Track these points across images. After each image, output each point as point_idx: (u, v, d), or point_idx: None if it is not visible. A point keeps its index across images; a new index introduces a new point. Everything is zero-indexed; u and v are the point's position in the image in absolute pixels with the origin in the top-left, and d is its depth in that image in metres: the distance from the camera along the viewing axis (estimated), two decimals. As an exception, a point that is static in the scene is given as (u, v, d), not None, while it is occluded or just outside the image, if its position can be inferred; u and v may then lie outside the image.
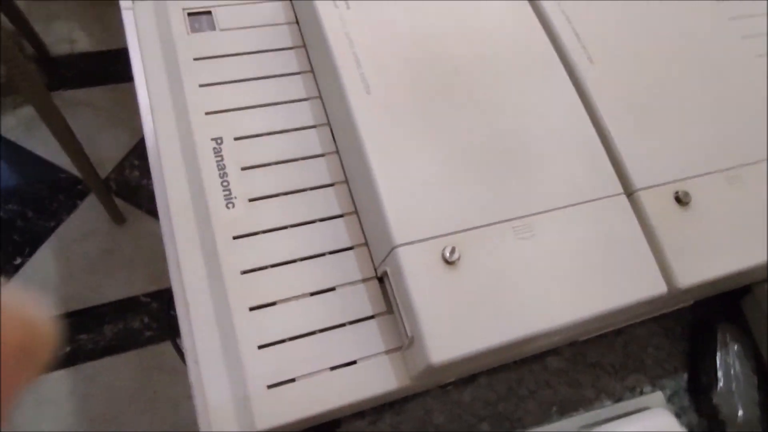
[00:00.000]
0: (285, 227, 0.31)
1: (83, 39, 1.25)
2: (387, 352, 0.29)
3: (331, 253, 0.31)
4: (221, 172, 0.31)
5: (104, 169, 1.13)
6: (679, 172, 0.33)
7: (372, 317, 0.30)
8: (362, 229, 0.32)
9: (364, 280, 0.31)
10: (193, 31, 0.35)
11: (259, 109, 0.33)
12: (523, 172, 0.31)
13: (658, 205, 0.32)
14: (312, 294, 0.30)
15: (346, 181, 0.33)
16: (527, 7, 0.37)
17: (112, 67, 1.23)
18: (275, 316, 0.29)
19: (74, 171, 1.07)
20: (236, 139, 0.32)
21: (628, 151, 0.33)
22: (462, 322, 0.27)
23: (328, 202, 0.32)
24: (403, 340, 0.29)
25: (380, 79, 0.31)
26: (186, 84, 0.33)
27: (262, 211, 0.31)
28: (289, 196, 0.32)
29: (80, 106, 1.17)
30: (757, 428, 0.39)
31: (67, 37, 1.25)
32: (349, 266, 0.31)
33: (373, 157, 0.29)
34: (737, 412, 0.40)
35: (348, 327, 0.29)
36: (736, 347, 0.43)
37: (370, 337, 0.29)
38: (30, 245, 1.04)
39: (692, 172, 0.34)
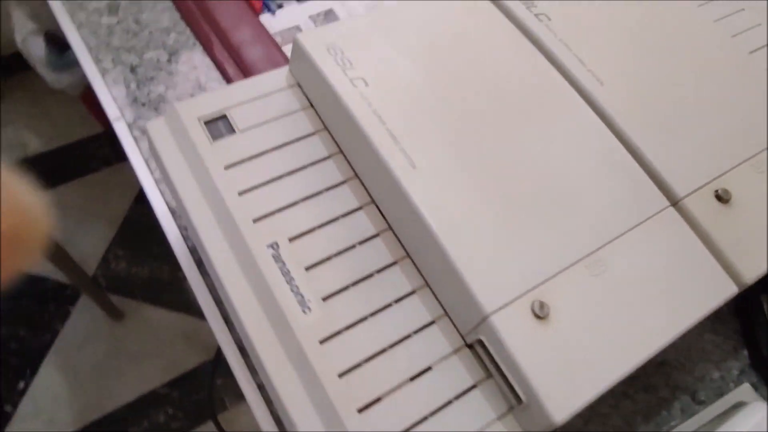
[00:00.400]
0: (365, 318, 0.31)
1: (34, 140, 1.22)
2: (499, 418, 0.29)
3: (416, 332, 0.31)
4: (287, 278, 0.31)
5: (89, 267, 1.09)
6: (712, 171, 0.35)
7: (474, 386, 0.30)
8: (438, 300, 0.32)
9: (455, 351, 0.31)
10: (215, 138, 0.35)
11: (303, 203, 0.33)
12: (573, 208, 0.32)
13: (703, 207, 0.34)
14: (411, 379, 0.30)
15: (408, 256, 0.33)
16: (528, 44, 0.38)
17: (70, 162, 1.20)
18: (385, 413, 0.28)
19: (59, 276, 1.03)
20: (291, 240, 0.32)
21: (661, 162, 0.34)
22: (569, 373, 0.28)
23: (397, 281, 0.32)
24: (510, 401, 0.29)
25: (420, 150, 0.32)
26: (225, 196, 0.33)
27: (339, 306, 0.31)
28: (359, 284, 0.31)
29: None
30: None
31: (17, 141, 1.21)
32: (437, 341, 0.31)
33: (439, 232, 0.29)
34: (805, 375, 0.42)
35: (454, 403, 0.29)
36: (782, 311, 0.44)
37: (479, 408, 0.29)
38: (30, 365, 0.99)
39: (723, 167, 0.35)
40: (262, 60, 0.51)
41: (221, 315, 0.41)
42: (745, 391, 0.39)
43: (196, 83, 0.50)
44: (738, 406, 0.34)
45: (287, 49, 0.52)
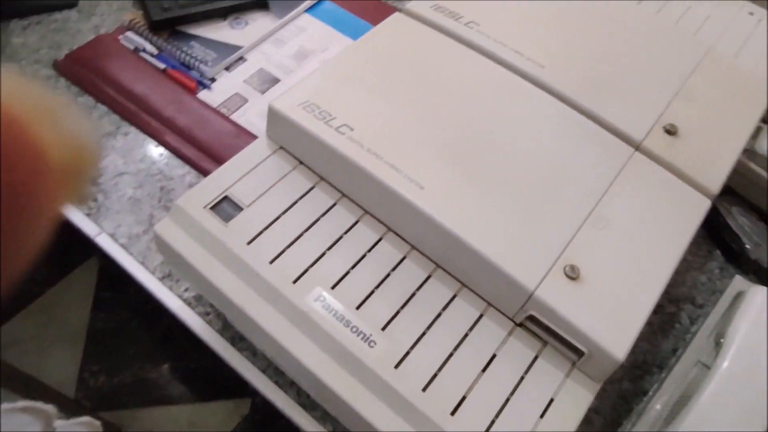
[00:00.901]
0: (424, 332, 0.33)
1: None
2: (567, 375, 0.33)
3: (470, 329, 0.34)
4: (343, 322, 0.33)
5: (69, 391, 1.04)
6: (656, 111, 0.40)
7: (537, 357, 0.33)
8: (478, 296, 0.35)
9: (509, 334, 0.34)
10: (227, 220, 0.36)
11: (329, 252, 0.35)
12: (562, 179, 0.36)
13: (660, 143, 0.39)
14: (483, 370, 0.33)
15: (439, 266, 0.36)
16: (470, 51, 0.42)
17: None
18: (474, 406, 0.31)
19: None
20: (332, 287, 0.34)
21: (615, 117, 0.40)
22: (613, 315, 0.32)
23: (438, 291, 0.35)
24: (572, 358, 0.33)
25: (420, 171, 0.35)
26: (258, 269, 0.34)
27: (397, 331, 0.33)
28: (407, 306, 0.34)
29: (6, 348, 1.07)
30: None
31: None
32: (491, 330, 0.34)
33: (465, 235, 0.33)
34: (772, 254, 0.48)
35: (527, 378, 0.33)
36: (735, 210, 0.51)
37: (548, 373, 0.33)
38: None
39: (662, 106, 0.41)
40: (216, 134, 0.52)
41: (273, 382, 0.42)
42: (737, 282, 0.45)
43: (161, 176, 0.51)
44: (739, 296, 0.40)
45: (236, 117, 0.54)
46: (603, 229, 0.35)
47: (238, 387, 1.02)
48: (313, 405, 0.41)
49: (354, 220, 0.37)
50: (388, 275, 0.35)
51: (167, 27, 0.59)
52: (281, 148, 0.40)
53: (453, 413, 0.31)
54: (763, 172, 0.49)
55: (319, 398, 0.36)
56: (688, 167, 0.38)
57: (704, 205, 0.37)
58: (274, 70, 0.58)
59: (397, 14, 0.44)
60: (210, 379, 1.08)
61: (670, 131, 0.40)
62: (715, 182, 0.38)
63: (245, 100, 0.55)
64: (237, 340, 0.43)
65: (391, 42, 0.42)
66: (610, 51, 0.44)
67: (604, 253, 0.34)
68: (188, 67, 0.57)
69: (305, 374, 0.33)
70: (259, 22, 0.61)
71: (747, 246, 0.49)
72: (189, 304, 0.44)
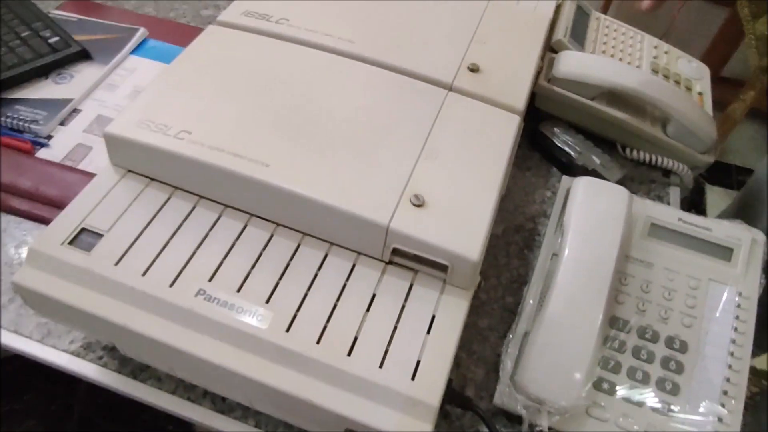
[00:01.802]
0: (306, 294, 0.36)
1: None
2: (441, 292, 0.37)
3: (347, 279, 0.37)
4: (228, 307, 0.34)
5: None
6: (457, 56, 0.46)
7: (411, 285, 0.37)
8: (347, 248, 0.38)
9: (383, 273, 0.37)
10: (89, 249, 0.36)
11: (199, 250, 0.37)
12: (392, 127, 0.41)
13: (467, 81, 0.45)
14: (368, 310, 0.35)
15: (305, 234, 0.38)
16: (288, 44, 0.46)
17: None
18: (366, 344, 0.34)
19: None
20: (209, 280, 0.35)
21: (426, 69, 0.45)
22: (462, 227, 0.36)
23: (309, 255, 0.37)
24: (440, 276, 0.37)
25: (261, 152, 0.37)
26: (131, 283, 0.35)
27: (280, 299, 0.35)
28: (284, 276, 0.36)
29: None
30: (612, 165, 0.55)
31: None
32: (366, 274, 0.37)
33: (319, 196, 0.36)
34: (596, 160, 0.56)
35: (408, 306, 0.36)
36: (557, 130, 0.59)
37: (424, 296, 0.36)
38: None
39: (462, 51, 0.47)
40: (66, 186, 0.51)
41: (186, 399, 0.42)
42: (565, 181, 0.51)
43: (19, 241, 0.49)
44: (569, 191, 0.46)
45: (84, 165, 0.53)
46: (435, 159, 0.39)
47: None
48: (231, 407, 0.41)
49: (216, 216, 0.39)
50: (260, 255, 0.37)
51: (-15, 98, 0.57)
52: (129, 171, 0.40)
53: (350, 354, 0.34)
54: (565, 92, 0.57)
55: (232, 391, 0.37)
56: (495, 94, 0.44)
57: (515, 120, 0.43)
58: (112, 113, 0.58)
59: (210, 26, 0.47)
60: None
61: (473, 69, 0.45)
62: (519, 101, 0.44)
63: (89, 149, 0.55)
64: (138, 372, 0.42)
65: (212, 51, 0.45)
66: (407, 16, 0.49)
67: (442, 179, 0.38)
68: (19, 131, 0.55)
69: (211, 370, 0.34)
70: (85, 73, 0.61)
71: (573, 155, 0.57)
72: (78, 355, 0.43)
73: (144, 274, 0.35)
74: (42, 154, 0.54)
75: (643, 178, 0.58)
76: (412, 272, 0.37)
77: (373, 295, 0.36)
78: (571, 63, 0.56)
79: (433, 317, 0.36)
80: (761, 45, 0.99)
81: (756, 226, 0.45)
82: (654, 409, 0.39)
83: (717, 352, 0.40)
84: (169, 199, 0.39)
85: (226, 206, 0.39)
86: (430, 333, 0.35)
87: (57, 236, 0.37)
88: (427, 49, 0.47)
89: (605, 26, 0.66)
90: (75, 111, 0.58)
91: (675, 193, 0.57)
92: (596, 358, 0.39)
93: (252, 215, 0.39)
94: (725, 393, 0.38)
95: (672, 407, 0.38)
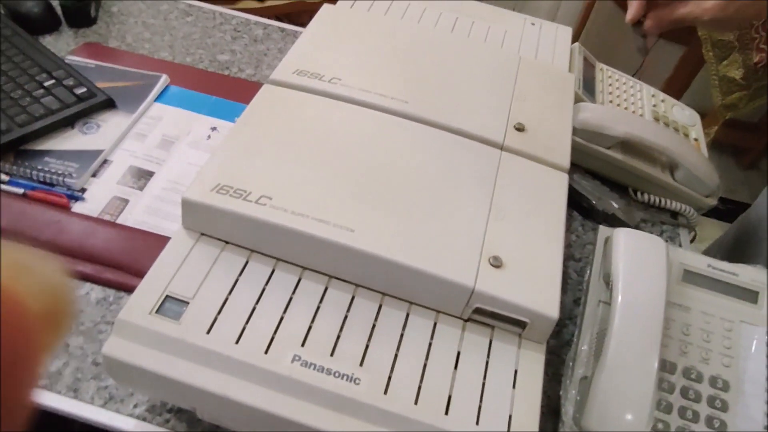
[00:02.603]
0: (396, 355, 0.37)
1: None
2: (519, 347, 0.39)
3: (431, 337, 0.38)
4: (324, 372, 0.35)
5: None
6: (502, 117, 0.49)
7: (491, 341, 0.39)
8: (427, 308, 0.39)
9: (463, 330, 0.39)
10: (178, 317, 0.36)
11: (286, 314, 0.38)
12: (456, 189, 0.43)
13: (515, 140, 0.48)
14: (455, 368, 0.37)
15: (386, 294, 0.40)
16: (344, 104, 0.47)
17: None
18: (461, 403, 0.36)
19: None
20: (302, 345, 0.36)
21: (478, 128, 0.47)
22: (537, 285, 0.38)
23: (392, 315, 0.39)
24: (517, 331, 0.39)
25: (344, 217, 0.39)
26: (228, 353, 0.35)
27: (373, 361, 0.36)
28: (372, 337, 0.37)
29: None
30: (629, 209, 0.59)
31: None
32: (448, 332, 0.39)
33: (403, 259, 0.37)
34: (614, 204, 0.60)
35: (490, 362, 0.38)
36: (576, 176, 0.62)
37: (503, 351, 0.38)
38: None
39: (505, 110, 0.50)
40: (107, 242, 0.50)
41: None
42: (602, 231, 0.55)
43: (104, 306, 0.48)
44: (607, 240, 0.50)
45: (123, 219, 0.53)
46: (503, 219, 0.42)
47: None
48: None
49: (296, 279, 0.39)
50: (345, 317, 0.38)
51: (10, 149, 0.55)
52: (203, 234, 0.41)
53: (447, 413, 0.35)
54: (585, 142, 0.61)
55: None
56: (543, 153, 0.47)
57: (564, 178, 0.46)
58: (144, 164, 0.57)
59: (266, 86, 0.48)
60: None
61: (519, 129, 0.49)
62: (565, 159, 0.47)
63: (126, 201, 0.54)
64: (209, 434, 0.42)
65: (272, 111, 0.46)
66: (451, 75, 0.52)
67: (512, 239, 0.40)
68: (51, 185, 0.54)
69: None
70: (111, 122, 0.60)
71: (593, 202, 0.61)
72: (144, 419, 0.43)
73: (237, 341, 0.36)
74: (77, 208, 0.53)
75: (654, 221, 0.63)
76: (489, 328, 0.39)
77: (458, 353, 0.38)
78: (589, 115, 0.60)
79: (516, 371, 0.38)
80: (724, 85, 1.08)
81: (756, 261, 0.50)
82: (710, 442, 0.42)
83: (756, 389, 0.44)
84: (247, 262, 0.40)
85: (305, 268, 0.40)
86: (515, 387, 0.37)
87: (143, 305, 0.37)
88: (474, 107, 0.49)
89: (608, 76, 0.71)
90: (106, 162, 0.57)
91: (684, 235, 0.62)
92: (655, 398, 0.42)
93: (332, 277, 0.40)
94: (767, 428, 0.42)
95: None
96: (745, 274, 0.48)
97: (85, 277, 0.49)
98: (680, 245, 0.61)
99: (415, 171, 0.43)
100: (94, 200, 0.54)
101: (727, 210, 1.74)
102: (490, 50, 0.57)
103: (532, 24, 0.65)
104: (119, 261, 0.50)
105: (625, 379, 0.41)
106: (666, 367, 0.45)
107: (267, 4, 1.19)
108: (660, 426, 0.43)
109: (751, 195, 1.82)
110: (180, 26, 0.75)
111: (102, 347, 0.36)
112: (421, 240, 0.39)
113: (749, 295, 0.47)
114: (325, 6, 0.57)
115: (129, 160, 0.58)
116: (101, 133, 0.59)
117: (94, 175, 0.56)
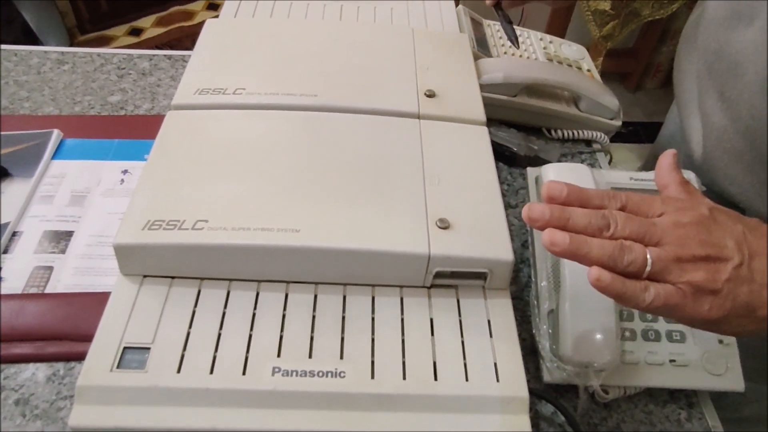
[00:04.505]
0: (373, 338, 0.37)
1: None
2: (486, 298, 0.40)
3: (401, 312, 0.39)
4: (308, 374, 0.35)
5: None
6: (416, 85, 0.50)
7: (458, 300, 0.40)
8: (390, 285, 0.40)
9: (429, 297, 0.40)
10: (142, 366, 0.34)
11: (255, 329, 0.37)
12: (387, 164, 0.43)
13: (425, 107, 0.49)
14: (432, 335, 0.38)
15: (347, 284, 0.39)
16: (262, 112, 0.46)
17: None
18: (448, 365, 0.36)
19: None
20: (278, 355, 0.36)
21: (391, 104, 0.48)
22: (487, 236, 0.40)
23: (359, 301, 0.39)
24: (480, 283, 0.40)
25: (284, 220, 0.38)
26: (204, 385, 0.34)
27: (353, 351, 0.36)
28: (345, 328, 0.37)
29: None
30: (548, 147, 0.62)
31: None
32: (415, 302, 0.39)
33: (357, 245, 0.37)
34: (534, 147, 0.63)
35: (463, 319, 0.39)
36: (492, 129, 0.64)
37: (473, 305, 0.39)
38: None
39: (412, 78, 0.51)
40: (40, 315, 0.47)
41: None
42: (530, 172, 0.58)
43: (5, 391, 0.44)
44: (537, 179, 0.52)
45: (51, 288, 0.49)
46: (439, 183, 0.42)
47: None
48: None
49: (254, 294, 0.39)
50: (314, 317, 0.38)
51: None
52: (145, 277, 0.39)
53: (436, 379, 0.36)
54: (492, 95, 0.63)
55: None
56: (458, 112, 0.49)
57: (484, 131, 0.48)
58: (59, 225, 0.54)
59: (170, 113, 0.46)
60: None
61: (430, 95, 0.50)
62: (480, 113, 0.49)
63: (50, 269, 0.51)
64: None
65: (184, 136, 0.44)
66: (352, 60, 0.52)
67: (452, 198, 0.41)
68: (-39, 273, 0.49)
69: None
70: (9, 192, 0.56)
71: (514, 149, 0.63)
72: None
73: (211, 371, 0.35)
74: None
75: (572, 152, 0.66)
76: (453, 289, 0.40)
77: (431, 320, 0.39)
78: (492, 69, 0.62)
79: (489, 321, 0.39)
80: (597, 18, 1.16)
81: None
82: (671, 340, 0.45)
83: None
84: (200, 292, 0.38)
85: (260, 281, 0.39)
86: (492, 336, 0.38)
87: (101, 365, 0.34)
88: (382, 85, 0.50)
89: (497, 30, 0.73)
90: (15, 234, 0.53)
91: (602, 158, 0.66)
92: (618, 313, 0.44)
93: (289, 282, 0.39)
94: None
95: (686, 335, 0.45)
96: (664, 177, 0.52)
97: (26, 358, 0.46)
98: (601, 168, 0.65)
99: (344, 158, 0.43)
100: (14, 276, 0.50)
101: (629, 132, 1.87)
102: (383, 29, 0.58)
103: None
104: (59, 331, 0.46)
105: (587, 300, 0.43)
106: (619, 280, 0.47)
107: (144, 37, 1.14)
108: (627, 334, 0.45)
109: (645, 114, 1.97)
110: (57, 77, 0.71)
111: (66, 423, 0.33)
112: (367, 222, 0.39)
113: (672, 197, 0.51)
114: (209, 21, 0.56)
115: (41, 225, 0.54)
116: (2, 205, 0.54)
117: (5, 251, 0.52)
